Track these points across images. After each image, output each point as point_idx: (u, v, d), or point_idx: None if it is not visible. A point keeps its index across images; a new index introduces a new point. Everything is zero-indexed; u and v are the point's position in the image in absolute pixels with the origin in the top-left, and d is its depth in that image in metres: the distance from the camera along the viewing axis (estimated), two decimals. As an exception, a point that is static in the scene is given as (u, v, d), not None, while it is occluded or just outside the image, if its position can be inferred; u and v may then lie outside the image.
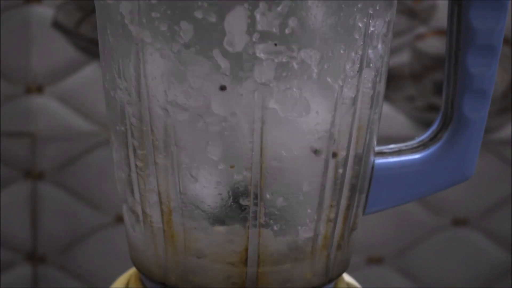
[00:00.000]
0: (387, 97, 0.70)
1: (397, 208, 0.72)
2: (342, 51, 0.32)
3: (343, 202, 0.34)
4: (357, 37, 0.32)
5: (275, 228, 0.33)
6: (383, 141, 0.40)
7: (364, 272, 0.74)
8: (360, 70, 0.33)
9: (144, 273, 0.36)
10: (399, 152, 0.37)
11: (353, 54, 0.32)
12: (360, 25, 0.32)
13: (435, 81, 0.69)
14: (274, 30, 0.31)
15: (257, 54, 0.31)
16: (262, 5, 0.30)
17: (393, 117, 0.71)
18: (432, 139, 0.37)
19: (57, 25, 0.67)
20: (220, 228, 0.33)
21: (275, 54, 0.31)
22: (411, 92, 0.71)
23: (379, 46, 0.33)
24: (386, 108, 0.70)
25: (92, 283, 0.74)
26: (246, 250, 0.33)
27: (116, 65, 0.33)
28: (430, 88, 0.70)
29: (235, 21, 0.30)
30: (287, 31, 0.31)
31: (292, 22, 0.31)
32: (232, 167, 0.32)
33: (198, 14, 0.30)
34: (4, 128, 0.70)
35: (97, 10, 0.34)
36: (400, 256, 0.75)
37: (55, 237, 0.73)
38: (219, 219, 0.33)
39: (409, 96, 0.71)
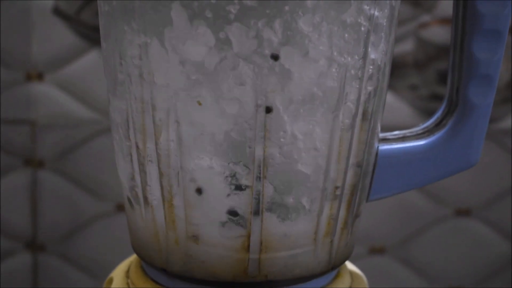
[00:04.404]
0: (391, 86, 0.69)
1: (399, 198, 0.72)
2: (347, 35, 0.31)
3: (347, 188, 0.34)
4: (361, 23, 0.32)
5: (278, 214, 0.33)
6: (385, 130, 0.40)
7: (367, 262, 0.74)
8: (364, 56, 0.32)
9: (145, 259, 0.35)
10: (403, 139, 0.37)
11: (357, 40, 0.32)
12: (365, 11, 0.32)
13: (439, 70, 0.69)
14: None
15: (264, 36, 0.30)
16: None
17: (396, 106, 0.71)
18: (437, 125, 0.37)
19: (57, 12, 0.67)
20: (222, 214, 0.33)
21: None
22: (415, 81, 0.71)
23: (384, 32, 0.33)
24: (389, 97, 0.70)
25: (92, 271, 0.73)
26: (249, 236, 0.33)
27: (118, 48, 0.33)
28: (434, 77, 0.69)
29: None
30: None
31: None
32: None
33: None
34: (4, 115, 0.70)
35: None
36: (402, 246, 0.75)
37: (55, 225, 0.73)
38: (221, 205, 0.33)
39: (412, 85, 0.71)
